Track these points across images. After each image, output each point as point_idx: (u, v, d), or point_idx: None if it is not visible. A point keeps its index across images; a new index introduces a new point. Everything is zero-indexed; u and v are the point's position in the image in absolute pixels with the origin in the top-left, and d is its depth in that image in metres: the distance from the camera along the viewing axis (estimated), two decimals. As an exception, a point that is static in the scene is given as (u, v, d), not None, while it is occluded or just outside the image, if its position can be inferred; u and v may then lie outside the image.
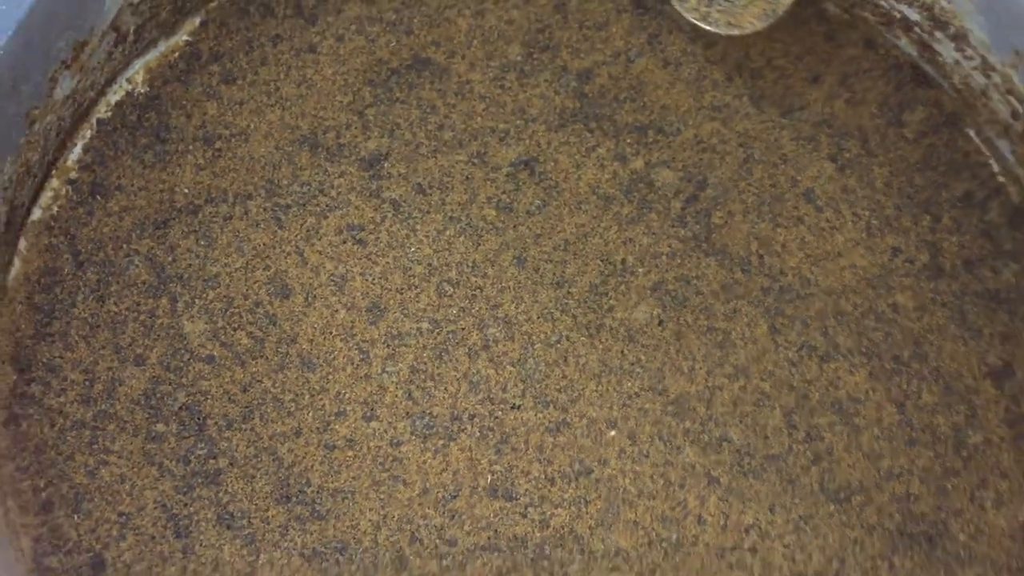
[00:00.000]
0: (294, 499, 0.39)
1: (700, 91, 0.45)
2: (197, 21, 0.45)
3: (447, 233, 0.42)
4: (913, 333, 0.42)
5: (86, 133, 0.43)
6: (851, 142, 0.44)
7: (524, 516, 0.39)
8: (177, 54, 0.45)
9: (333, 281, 0.41)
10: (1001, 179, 0.44)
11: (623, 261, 0.42)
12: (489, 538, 0.38)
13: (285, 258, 0.42)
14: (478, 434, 0.39)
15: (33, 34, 0.38)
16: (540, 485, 0.39)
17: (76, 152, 0.43)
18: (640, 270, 0.42)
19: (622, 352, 0.41)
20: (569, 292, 0.42)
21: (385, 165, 0.43)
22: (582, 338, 0.41)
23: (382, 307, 0.41)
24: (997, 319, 0.42)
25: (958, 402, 0.41)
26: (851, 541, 0.38)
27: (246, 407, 0.40)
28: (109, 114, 0.44)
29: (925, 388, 0.41)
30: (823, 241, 0.43)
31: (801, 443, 0.40)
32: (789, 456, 0.40)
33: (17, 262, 0.41)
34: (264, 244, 0.42)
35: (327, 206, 0.42)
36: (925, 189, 0.44)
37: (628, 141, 0.44)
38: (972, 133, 0.44)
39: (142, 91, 0.44)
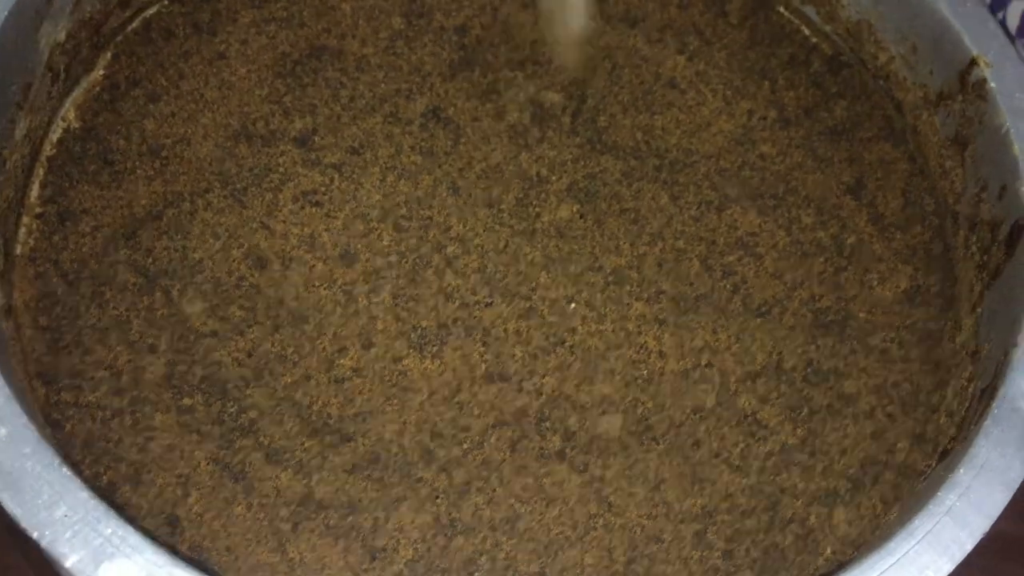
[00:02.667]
0: (322, 431, 0.44)
1: (560, 21, 0.53)
2: (109, 55, 0.50)
3: (388, 180, 0.49)
4: (781, 174, 0.51)
5: (40, 171, 0.47)
6: (691, 37, 0.53)
7: (520, 391, 0.45)
8: (98, 88, 0.49)
9: (303, 242, 0.47)
10: (814, 39, 0.54)
11: (537, 174, 0.50)
12: (496, 416, 0.45)
13: (254, 233, 0.47)
14: (464, 333, 0.46)
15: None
16: (526, 362, 0.46)
17: (36, 188, 0.47)
18: (553, 178, 0.50)
19: (558, 246, 0.48)
20: (500, 208, 0.49)
21: (315, 139, 0.49)
22: (523, 241, 0.48)
23: (352, 252, 0.47)
24: (841, 147, 0.52)
25: (830, 218, 0.50)
26: (780, 339, 0.47)
27: (256, 368, 0.45)
28: (54, 151, 0.48)
29: (802, 213, 0.50)
30: (692, 116, 0.51)
31: (720, 280, 0.48)
32: (714, 292, 0.48)
33: (15, 293, 0.45)
34: (233, 225, 0.47)
35: (279, 181, 0.48)
36: (758, 60, 0.53)
37: (511, 76, 0.52)
38: (782, 8, 0.54)
39: (76, 126, 0.48)
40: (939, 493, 0.38)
